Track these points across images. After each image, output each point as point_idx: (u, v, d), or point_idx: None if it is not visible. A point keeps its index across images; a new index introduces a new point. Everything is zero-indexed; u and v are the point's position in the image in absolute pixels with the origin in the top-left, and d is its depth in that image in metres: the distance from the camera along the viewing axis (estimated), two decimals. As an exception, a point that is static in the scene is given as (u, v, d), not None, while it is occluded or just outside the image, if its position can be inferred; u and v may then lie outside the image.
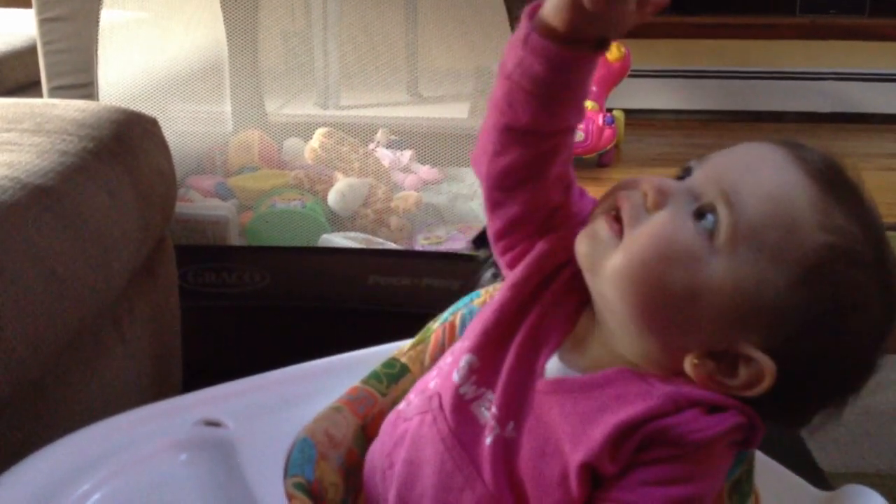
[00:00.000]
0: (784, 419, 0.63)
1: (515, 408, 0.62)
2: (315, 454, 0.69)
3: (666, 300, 0.58)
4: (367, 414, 0.74)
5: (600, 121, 2.78)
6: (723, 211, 0.58)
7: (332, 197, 1.66)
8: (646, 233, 0.59)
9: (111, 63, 1.51)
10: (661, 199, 0.59)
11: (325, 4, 2.48)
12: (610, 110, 2.93)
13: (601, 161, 2.84)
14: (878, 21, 3.39)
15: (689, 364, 0.59)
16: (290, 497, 0.64)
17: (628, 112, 3.07)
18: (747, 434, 0.59)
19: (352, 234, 1.57)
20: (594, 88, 2.86)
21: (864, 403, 1.55)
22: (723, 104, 3.42)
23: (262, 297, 1.40)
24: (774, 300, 0.57)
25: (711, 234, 0.58)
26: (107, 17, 1.45)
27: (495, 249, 0.69)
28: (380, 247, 1.53)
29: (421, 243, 1.58)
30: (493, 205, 0.67)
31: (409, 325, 0.80)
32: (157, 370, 1.15)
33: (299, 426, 0.71)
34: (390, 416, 0.70)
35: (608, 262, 0.60)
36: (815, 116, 3.37)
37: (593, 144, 2.78)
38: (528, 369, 0.63)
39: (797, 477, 0.75)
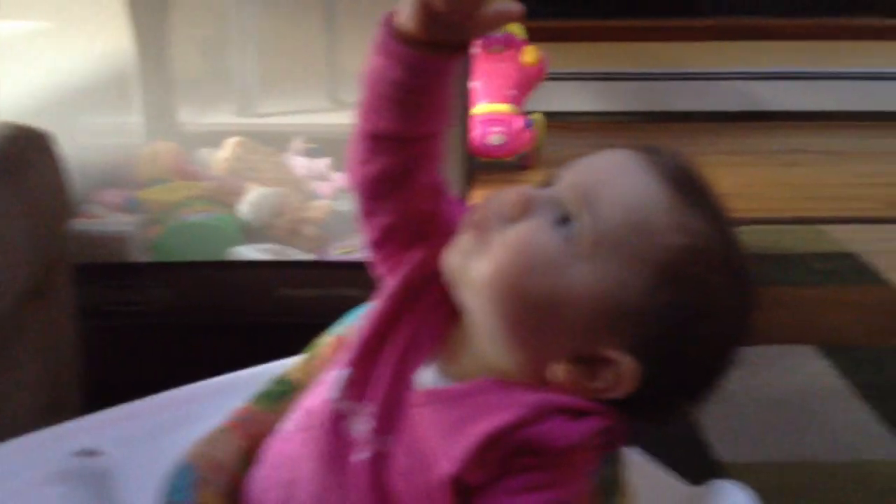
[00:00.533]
0: (649, 416, 0.64)
1: (391, 422, 0.63)
2: (196, 479, 0.67)
3: (530, 308, 0.59)
4: (254, 434, 0.73)
5: (519, 124, 2.81)
6: (584, 217, 0.59)
7: (245, 208, 1.65)
8: (508, 242, 0.60)
9: (8, 76, 1.47)
10: (524, 209, 0.60)
11: (240, 11, 2.45)
12: (529, 113, 2.97)
13: (522, 164, 2.87)
14: (781, 21, 3.49)
15: (556, 371, 0.60)
16: (166, 524, 0.63)
17: (547, 115, 3.11)
18: (612, 437, 0.61)
19: (264, 245, 1.56)
20: (512, 92, 2.90)
21: (761, 394, 1.63)
22: (637, 105, 3.49)
23: (168, 314, 1.38)
24: (634, 303, 0.58)
25: (573, 241, 0.59)
26: (2, 28, 1.41)
27: (374, 259, 0.69)
28: (292, 258, 1.53)
29: (335, 252, 1.58)
30: (366, 214, 0.67)
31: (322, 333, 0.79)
32: (54, 394, 1.12)
33: (181, 452, 0.70)
34: (271, 438, 0.70)
35: (472, 272, 0.61)
36: (723, 115, 3.46)
37: (513, 148, 2.81)
38: (402, 381, 0.64)
39: (667, 473, 0.77)
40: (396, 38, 0.60)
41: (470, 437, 0.59)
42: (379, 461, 0.62)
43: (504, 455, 0.58)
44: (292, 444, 0.67)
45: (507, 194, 0.62)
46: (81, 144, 1.69)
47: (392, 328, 0.66)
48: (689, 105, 3.47)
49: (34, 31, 1.72)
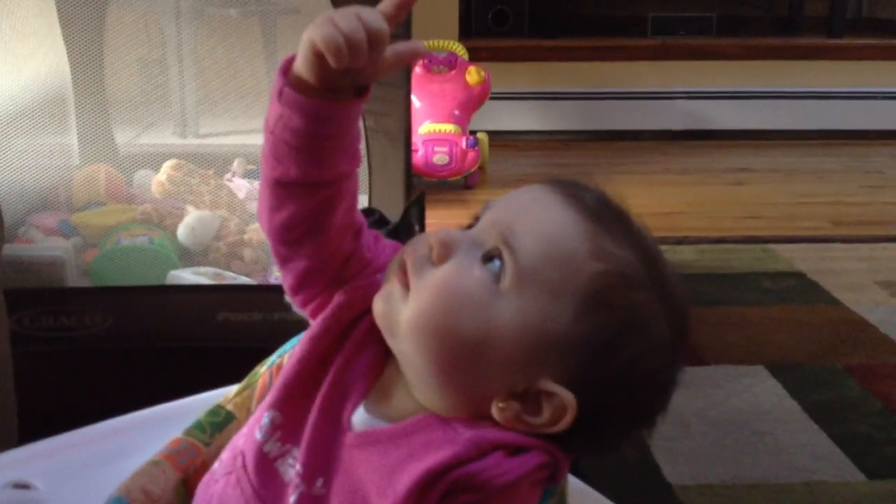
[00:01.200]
0: (593, 448, 0.63)
1: (322, 464, 0.61)
2: (129, 513, 0.66)
3: (460, 349, 0.58)
4: (190, 466, 0.71)
5: (464, 144, 2.81)
6: (505, 254, 0.59)
7: (182, 231, 1.62)
8: (432, 284, 0.59)
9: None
10: (446, 252, 0.60)
11: (179, 32, 2.43)
12: (473, 133, 2.97)
13: (467, 183, 2.87)
14: (724, 41, 3.56)
15: (494, 409, 0.59)
16: (98, 561, 0.61)
17: (491, 134, 3.12)
18: (552, 470, 0.60)
19: (202, 269, 1.53)
20: (456, 112, 2.90)
21: (711, 415, 1.62)
22: (582, 124, 3.52)
23: (105, 339, 1.35)
24: (562, 333, 0.58)
25: (497, 278, 0.59)
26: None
27: (295, 303, 0.68)
28: (231, 282, 1.50)
29: (276, 276, 1.55)
30: (282, 260, 0.66)
31: (261, 362, 0.77)
32: (-13, 424, 1.10)
33: (115, 484, 0.68)
34: (204, 478, 0.68)
35: (399, 317, 0.60)
36: (668, 134, 3.51)
37: (458, 167, 2.81)
38: (333, 423, 0.62)
39: (610, 502, 0.76)
40: (294, 86, 0.59)
41: (409, 475, 0.57)
42: (312, 502, 0.61)
43: (443, 493, 0.57)
44: (220, 485, 0.66)
45: (428, 238, 0.61)
46: (15, 167, 1.65)
47: (319, 370, 0.65)
48: (635, 124, 3.51)
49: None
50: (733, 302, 2.07)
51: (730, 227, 2.57)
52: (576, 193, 0.61)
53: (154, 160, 1.90)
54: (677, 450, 1.46)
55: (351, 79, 0.59)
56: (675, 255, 2.34)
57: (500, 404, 0.59)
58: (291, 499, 0.61)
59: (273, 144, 0.61)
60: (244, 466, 0.64)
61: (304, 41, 0.57)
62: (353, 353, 0.65)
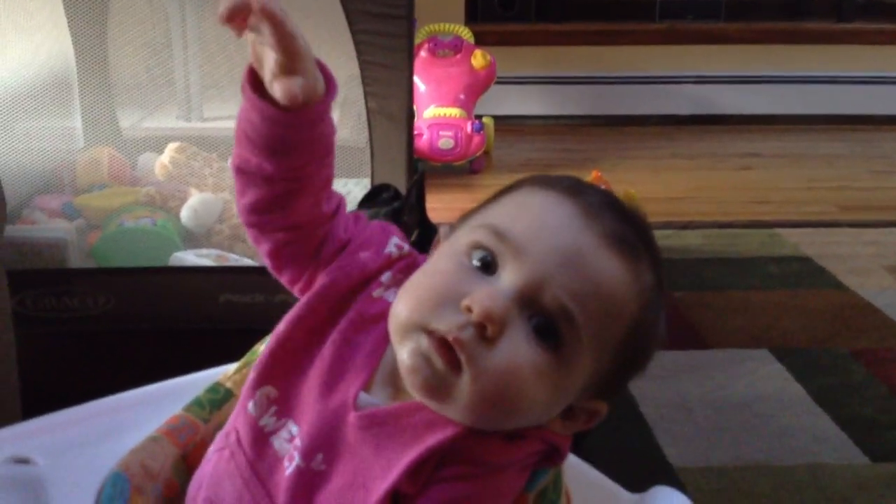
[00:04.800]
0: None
1: (325, 441, 0.61)
2: (129, 488, 0.66)
3: (521, 410, 0.58)
4: (189, 442, 0.71)
5: (469, 128, 2.80)
6: (563, 327, 0.57)
7: (185, 213, 1.62)
8: (495, 373, 0.56)
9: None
10: (498, 328, 0.56)
11: (183, 14, 2.42)
12: (479, 117, 2.95)
13: (472, 168, 2.87)
14: (732, 25, 3.53)
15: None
16: (97, 535, 0.62)
17: (497, 118, 3.11)
18: (548, 455, 0.61)
19: (205, 251, 1.53)
20: (462, 96, 2.89)
21: (715, 398, 1.62)
22: (588, 109, 3.50)
23: (107, 320, 1.35)
24: (608, 368, 0.60)
25: (556, 347, 0.57)
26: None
27: (282, 282, 0.68)
28: (234, 264, 1.50)
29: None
30: (253, 240, 0.66)
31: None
32: (-10, 402, 1.10)
33: (114, 460, 0.68)
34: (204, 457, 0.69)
35: (456, 393, 0.57)
36: (675, 119, 3.49)
37: (463, 152, 2.80)
38: (337, 401, 0.62)
39: (609, 481, 0.76)
40: (254, 89, 0.59)
41: (412, 452, 0.57)
42: (305, 477, 0.60)
43: (437, 463, 0.58)
44: (210, 464, 0.66)
45: (467, 302, 0.56)
46: (19, 149, 1.65)
47: (309, 348, 0.64)
48: (642, 109, 3.49)
49: (-31, 34, 1.68)
50: (739, 286, 2.06)
51: (736, 211, 2.56)
52: (602, 223, 0.60)
53: (158, 143, 1.90)
54: (680, 432, 1.46)
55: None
56: (681, 240, 2.33)
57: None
58: (287, 472, 0.61)
59: (238, 133, 0.61)
60: (238, 441, 0.64)
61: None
62: (354, 332, 0.64)
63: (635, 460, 1.37)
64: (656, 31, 3.50)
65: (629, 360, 0.61)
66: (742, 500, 1.30)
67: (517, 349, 0.56)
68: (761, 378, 1.64)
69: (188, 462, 0.71)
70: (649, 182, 2.77)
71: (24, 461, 0.70)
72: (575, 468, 0.70)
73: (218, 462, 0.64)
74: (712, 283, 2.08)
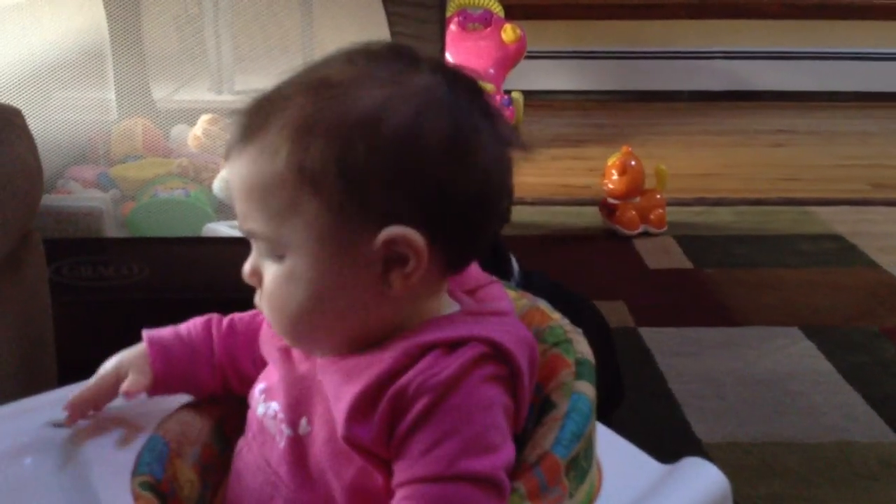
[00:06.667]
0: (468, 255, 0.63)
1: (301, 402, 0.62)
2: (167, 451, 0.67)
3: (301, 314, 0.61)
4: (226, 408, 0.72)
5: (498, 102, 2.79)
6: (252, 240, 0.62)
7: (217, 185, 1.62)
8: (265, 305, 0.62)
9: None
10: (252, 279, 0.63)
11: (215, -13, 2.42)
12: (508, 92, 2.94)
13: (500, 142, 2.85)
14: (766, 0, 3.48)
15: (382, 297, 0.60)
16: (136, 497, 0.62)
17: (526, 93, 3.09)
18: (503, 364, 0.59)
19: (237, 222, 1.54)
20: (491, 70, 2.88)
21: (744, 374, 1.62)
22: (618, 84, 3.47)
23: (141, 289, 1.37)
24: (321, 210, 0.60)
25: (261, 253, 0.62)
26: (-30, 3, 1.39)
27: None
28: (266, 235, 1.51)
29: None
30: None
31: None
32: (28, 367, 1.12)
33: (152, 424, 0.69)
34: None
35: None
36: (707, 94, 3.45)
37: (492, 126, 2.79)
38: (303, 367, 0.63)
39: (640, 451, 0.76)
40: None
41: (347, 396, 0.58)
42: (297, 445, 0.61)
43: (387, 409, 0.56)
44: (240, 460, 0.67)
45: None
46: (54, 120, 1.67)
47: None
48: (672, 84, 3.46)
49: (5, 6, 1.69)
50: (770, 264, 2.05)
51: (768, 189, 2.54)
52: None
53: (190, 115, 1.91)
54: (708, 408, 1.46)
55: None
56: (712, 217, 2.32)
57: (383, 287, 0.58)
58: (280, 445, 0.62)
59: None
60: (253, 434, 0.66)
61: None
62: None
63: (664, 435, 1.37)
64: (688, 5, 3.46)
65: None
66: (770, 477, 1.30)
67: (265, 279, 0.61)
68: (791, 355, 1.63)
69: (225, 429, 0.72)
70: (680, 158, 2.75)
71: (62, 425, 0.70)
72: (605, 438, 0.70)
73: (247, 455, 0.66)
74: (743, 260, 2.07)
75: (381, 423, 0.57)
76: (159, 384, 0.70)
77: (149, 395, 0.71)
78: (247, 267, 0.62)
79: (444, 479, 0.55)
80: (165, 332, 0.72)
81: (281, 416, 0.62)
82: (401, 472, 0.56)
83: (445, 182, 0.57)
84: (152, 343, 0.71)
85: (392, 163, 0.56)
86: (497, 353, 0.58)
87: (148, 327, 0.74)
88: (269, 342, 0.67)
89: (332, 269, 0.58)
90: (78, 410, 0.71)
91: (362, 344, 0.60)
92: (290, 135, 0.57)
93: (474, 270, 0.66)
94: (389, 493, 0.57)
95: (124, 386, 0.69)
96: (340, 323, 0.60)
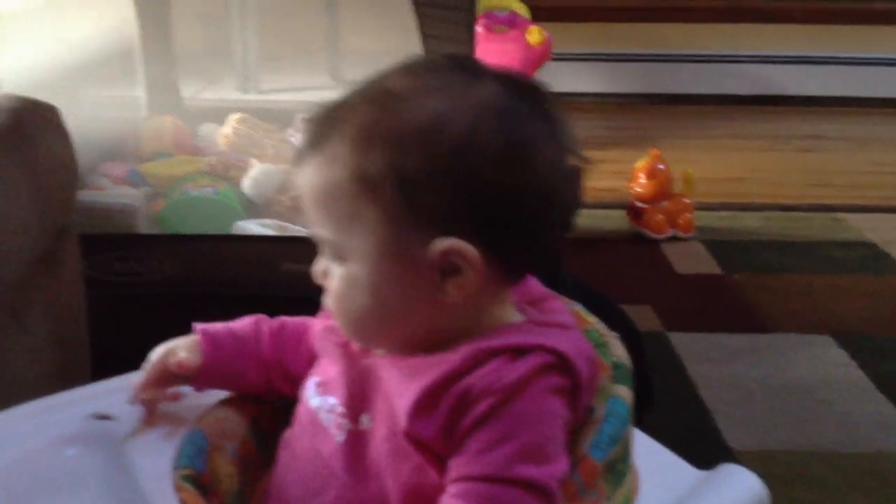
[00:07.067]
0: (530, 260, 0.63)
1: (363, 398, 0.62)
2: (207, 445, 0.68)
3: (365, 313, 0.63)
4: (263, 403, 0.73)
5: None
6: (321, 243, 0.64)
7: (247, 183, 1.64)
8: (331, 303, 0.64)
9: (11, 50, 1.46)
10: (322, 279, 0.64)
11: (241, -13, 2.44)
12: (533, 94, 2.93)
13: (525, 145, 2.85)
14: (795, 4, 3.45)
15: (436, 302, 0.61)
16: (178, 489, 0.63)
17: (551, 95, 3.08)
18: (567, 376, 0.59)
19: (266, 221, 1.55)
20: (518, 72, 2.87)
21: (775, 382, 1.60)
22: (644, 87, 3.45)
23: (173, 285, 1.38)
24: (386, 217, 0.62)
25: (331, 257, 0.63)
26: (5, 3, 1.41)
27: None
28: (294, 233, 1.51)
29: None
30: None
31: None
32: (63, 361, 1.13)
33: (189, 420, 0.70)
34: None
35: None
36: (734, 99, 3.43)
37: (517, 128, 2.79)
38: (362, 362, 0.64)
39: (676, 456, 0.76)
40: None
41: (412, 391, 0.59)
42: (357, 439, 0.62)
43: (451, 406, 0.57)
44: (288, 450, 0.68)
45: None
46: (85, 117, 1.68)
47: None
48: (700, 88, 3.43)
49: (40, 4, 1.71)
50: (800, 270, 2.03)
51: (797, 194, 2.52)
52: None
53: (216, 114, 1.93)
54: (738, 415, 1.45)
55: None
56: (739, 222, 2.30)
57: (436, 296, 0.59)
58: (338, 440, 0.62)
59: None
60: (302, 427, 0.66)
61: None
62: None
63: (694, 443, 1.34)
64: (717, 8, 3.44)
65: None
66: (801, 486, 1.29)
67: (332, 280, 0.62)
68: (823, 363, 1.62)
69: (261, 424, 0.72)
70: (706, 162, 2.73)
71: (105, 417, 0.71)
72: (641, 443, 0.70)
73: (295, 445, 0.67)
74: (771, 265, 2.05)
75: (444, 420, 0.57)
76: (206, 371, 0.71)
77: (195, 386, 0.72)
78: (318, 267, 0.64)
79: (497, 480, 0.56)
80: (216, 325, 0.73)
81: (340, 409, 0.63)
82: (456, 468, 0.57)
83: (500, 193, 0.58)
84: (204, 332, 0.72)
85: (447, 172, 0.57)
86: (562, 364, 0.59)
87: (178, 322, 0.76)
88: (327, 338, 0.67)
89: (390, 275, 0.60)
90: (143, 391, 0.72)
91: (427, 346, 0.61)
92: (352, 143, 0.58)
93: (534, 283, 0.67)
94: (442, 492, 0.57)
95: (178, 358, 0.70)
96: (401, 326, 0.62)
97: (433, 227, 0.58)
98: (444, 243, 0.58)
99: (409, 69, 0.61)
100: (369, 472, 0.61)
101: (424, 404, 0.58)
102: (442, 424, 0.57)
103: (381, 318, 0.61)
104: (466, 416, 0.57)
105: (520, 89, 0.61)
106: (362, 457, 0.61)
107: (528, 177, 0.59)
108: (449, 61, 0.62)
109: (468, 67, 0.62)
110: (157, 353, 0.72)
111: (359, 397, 0.63)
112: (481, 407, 0.56)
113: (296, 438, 0.67)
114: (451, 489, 0.57)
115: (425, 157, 0.57)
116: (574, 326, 0.65)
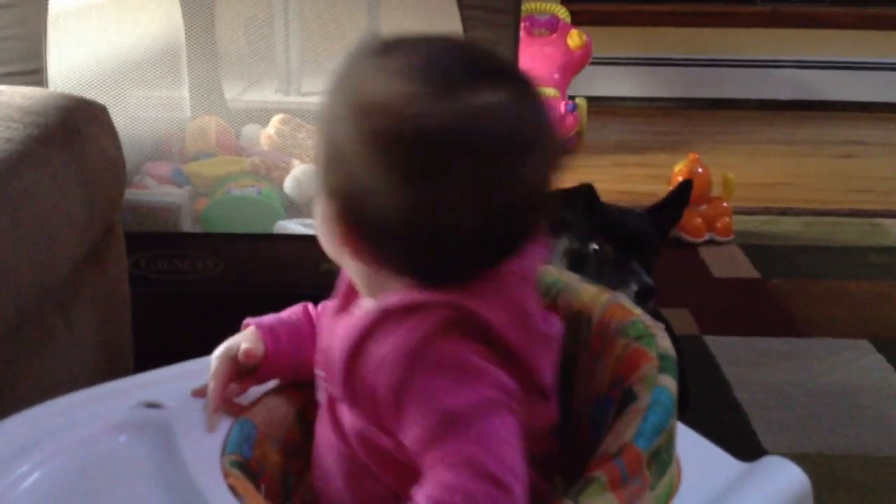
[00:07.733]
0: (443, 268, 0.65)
1: (330, 362, 0.67)
2: (255, 433, 0.70)
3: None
4: (309, 394, 0.74)
5: (562, 108, 2.79)
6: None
7: (289, 183, 1.65)
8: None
9: (63, 49, 1.49)
10: None
11: (285, -10, 2.46)
12: (572, 97, 2.94)
13: (564, 148, 2.86)
14: (837, 9, 3.42)
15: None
16: (226, 475, 0.65)
17: (591, 99, 3.09)
18: (477, 324, 0.61)
19: (308, 220, 1.56)
20: (556, 76, 2.88)
21: (812, 386, 1.59)
22: (684, 91, 3.44)
23: (215, 283, 1.40)
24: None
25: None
26: (58, 2, 1.44)
27: None
28: (335, 234, 1.53)
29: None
30: None
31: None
32: (108, 356, 1.15)
33: (237, 409, 0.72)
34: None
35: None
36: (775, 104, 3.40)
37: (556, 131, 2.79)
38: (336, 321, 0.70)
39: (719, 449, 0.76)
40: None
41: (340, 355, 0.64)
42: (332, 402, 0.67)
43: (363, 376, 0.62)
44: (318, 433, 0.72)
45: None
46: (132, 117, 1.72)
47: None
48: (740, 93, 3.41)
49: (89, 6, 1.74)
50: (838, 275, 2.01)
51: (837, 199, 2.50)
52: None
53: (258, 115, 1.95)
54: (774, 419, 1.44)
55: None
56: (778, 227, 2.29)
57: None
58: (323, 402, 0.69)
59: None
60: (321, 407, 0.70)
61: None
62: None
63: (730, 445, 1.35)
64: (757, 13, 3.42)
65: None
66: (837, 489, 1.28)
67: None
68: (860, 368, 1.61)
69: (307, 415, 0.74)
70: (746, 167, 2.72)
71: (155, 405, 0.73)
72: (683, 434, 0.70)
73: (319, 428, 0.70)
74: (810, 270, 2.04)
75: (368, 383, 0.62)
76: (270, 358, 0.73)
77: (258, 377, 0.74)
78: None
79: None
80: (266, 317, 0.76)
81: (322, 373, 0.69)
82: (405, 432, 0.61)
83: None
84: (259, 324, 0.75)
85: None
86: (463, 316, 0.61)
87: (220, 319, 0.78)
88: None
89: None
90: (219, 392, 0.73)
91: (364, 290, 0.68)
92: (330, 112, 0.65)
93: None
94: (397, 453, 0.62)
95: (244, 348, 0.72)
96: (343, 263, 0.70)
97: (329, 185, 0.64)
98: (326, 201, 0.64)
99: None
100: (345, 435, 0.65)
101: (351, 362, 0.62)
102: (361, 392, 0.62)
103: (331, 253, 0.68)
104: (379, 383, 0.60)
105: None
106: (337, 416, 0.66)
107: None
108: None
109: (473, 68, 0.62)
110: (219, 350, 0.74)
111: (328, 361, 0.67)
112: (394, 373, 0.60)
113: (319, 422, 0.70)
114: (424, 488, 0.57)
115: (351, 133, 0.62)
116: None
